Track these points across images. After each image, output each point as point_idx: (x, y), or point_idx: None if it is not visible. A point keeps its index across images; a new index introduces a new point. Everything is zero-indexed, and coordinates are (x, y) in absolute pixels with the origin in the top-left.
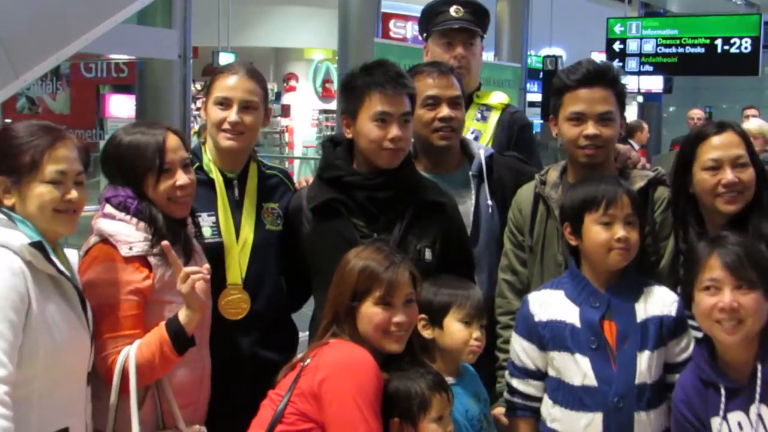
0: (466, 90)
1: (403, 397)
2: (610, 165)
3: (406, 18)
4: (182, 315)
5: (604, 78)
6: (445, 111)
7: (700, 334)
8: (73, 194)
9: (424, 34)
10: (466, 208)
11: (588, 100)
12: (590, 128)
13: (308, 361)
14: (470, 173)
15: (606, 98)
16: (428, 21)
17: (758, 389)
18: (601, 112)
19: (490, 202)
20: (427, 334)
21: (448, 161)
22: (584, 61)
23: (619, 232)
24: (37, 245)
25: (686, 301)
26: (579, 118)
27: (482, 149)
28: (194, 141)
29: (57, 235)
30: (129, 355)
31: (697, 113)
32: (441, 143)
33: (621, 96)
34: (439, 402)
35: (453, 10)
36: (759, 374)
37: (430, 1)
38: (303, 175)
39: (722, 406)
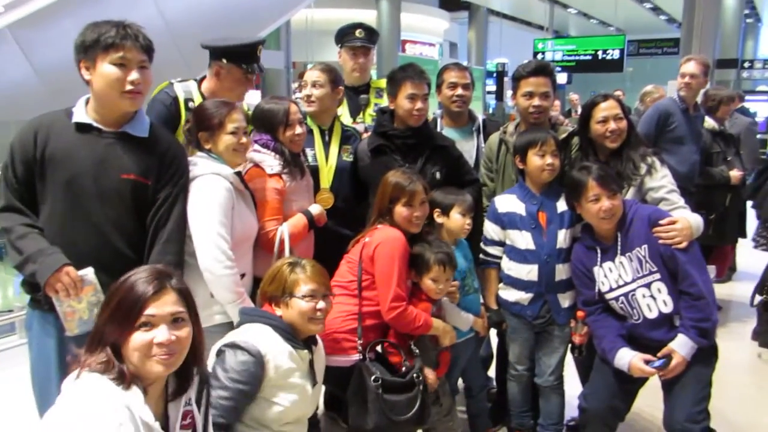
0: (364, 79)
1: (418, 259)
2: (546, 123)
3: (415, 42)
4: (314, 210)
5: (544, 70)
6: (459, 90)
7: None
8: (243, 139)
9: (339, 45)
10: (471, 147)
11: (535, 84)
12: (536, 101)
13: (367, 239)
14: (473, 128)
15: (545, 83)
16: (341, 38)
17: (618, 248)
18: (543, 92)
19: (483, 145)
20: (440, 220)
21: (462, 120)
22: (532, 60)
23: (548, 159)
24: (237, 174)
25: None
26: (530, 95)
27: (480, 115)
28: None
29: (236, 165)
30: (284, 230)
31: (574, 96)
32: (457, 109)
33: (554, 82)
34: (437, 270)
35: (357, 33)
36: (618, 239)
37: (342, 26)
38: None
39: (599, 259)
